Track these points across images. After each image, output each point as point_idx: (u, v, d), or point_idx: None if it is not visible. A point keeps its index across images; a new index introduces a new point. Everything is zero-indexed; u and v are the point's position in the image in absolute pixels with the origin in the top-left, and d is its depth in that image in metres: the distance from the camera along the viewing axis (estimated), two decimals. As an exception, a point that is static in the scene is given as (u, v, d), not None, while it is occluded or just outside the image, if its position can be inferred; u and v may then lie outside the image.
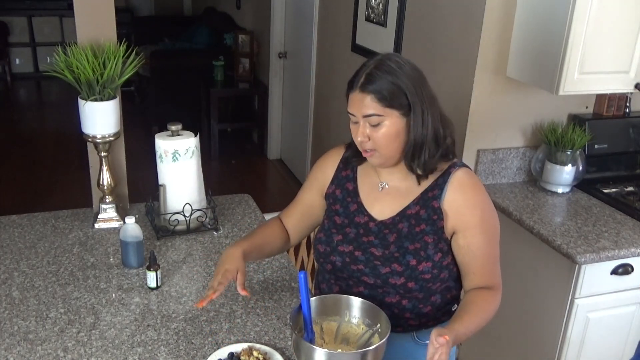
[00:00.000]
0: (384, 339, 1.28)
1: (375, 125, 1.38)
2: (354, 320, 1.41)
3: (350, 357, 1.28)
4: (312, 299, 1.38)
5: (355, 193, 1.55)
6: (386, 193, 1.51)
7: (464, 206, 1.44)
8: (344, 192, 1.56)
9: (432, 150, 1.42)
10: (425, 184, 1.47)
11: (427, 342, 1.53)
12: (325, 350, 1.27)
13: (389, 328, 1.31)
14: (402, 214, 1.47)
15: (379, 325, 1.36)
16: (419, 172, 1.44)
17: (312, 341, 1.32)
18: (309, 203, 1.65)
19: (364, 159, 1.54)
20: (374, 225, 1.49)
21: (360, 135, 1.40)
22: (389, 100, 1.36)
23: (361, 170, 1.57)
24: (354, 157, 1.55)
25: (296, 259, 2.32)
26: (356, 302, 1.41)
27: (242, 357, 1.39)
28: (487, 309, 1.44)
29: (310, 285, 2.03)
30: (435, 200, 1.45)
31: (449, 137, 1.46)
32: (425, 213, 1.45)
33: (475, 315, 1.40)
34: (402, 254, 1.44)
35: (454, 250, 1.47)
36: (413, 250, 1.44)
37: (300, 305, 1.34)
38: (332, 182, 1.60)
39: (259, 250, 1.57)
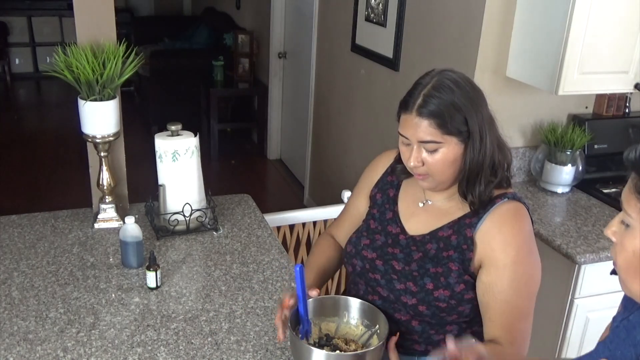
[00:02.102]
0: (382, 341, 1.27)
1: (431, 152, 1.31)
2: (353, 321, 1.40)
3: (349, 358, 1.27)
4: (310, 300, 1.37)
5: (394, 201, 1.50)
6: (425, 209, 1.45)
7: (497, 240, 1.32)
8: (384, 197, 1.52)
9: (488, 178, 1.34)
10: (466, 209, 1.38)
11: None
12: (324, 352, 1.26)
13: (387, 329, 1.30)
14: (433, 235, 1.40)
15: (377, 326, 1.35)
16: (474, 201, 1.35)
17: (308, 332, 1.31)
18: (359, 210, 1.59)
19: (412, 175, 1.46)
20: (404, 239, 1.44)
21: (414, 160, 1.32)
22: (448, 126, 1.28)
23: (407, 180, 1.51)
24: (402, 173, 1.49)
25: (296, 259, 2.32)
26: (354, 303, 1.40)
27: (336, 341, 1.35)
28: None
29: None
30: (469, 228, 1.35)
31: (506, 163, 1.38)
32: (456, 240, 1.36)
33: None
34: (421, 275, 1.37)
35: (476, 286, 1.35)
36: (433, 274, 1.36)
37: (297, 306, 1.32)
38: (376, 185, 1.55)
39: (322, 278, 1.56)
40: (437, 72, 1.34)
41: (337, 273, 2.29)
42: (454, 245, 1.37)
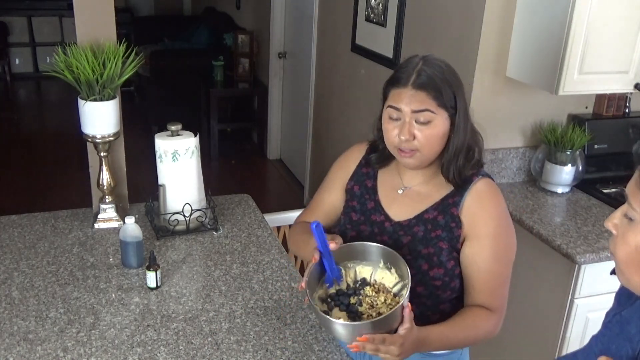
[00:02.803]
0: (400, 304, 1.21)
1: (424, 124, 1.33)
2: (389, 268, 1.35)
3: (367, 326, 1.20)
4: (343, 245, 1.35)
5: (373, 191, 1.52)
6: (405, 195, 1.48)
7: (479, 215, 1.40)
8: (362, 189, 1.54)
9: (465, 159, 1.40)
10: (446, 190, 1.44)
11: (436, 353, 1.50)
12: (340, 322, 1.21)
13: (409, 283, 1.26)
14: (419, 218, 1.44)
15: (408, 280, 1.29)
16: (455, 179, 1.40)
17: (338, 279, 1.31)
18: (334, 205, 1.60)
19: (387, 163, 1.51)
20: (390, 226, 1.47)
21: (406, 133, 1.34)
22: (442, 98, 1.33)
23: (382, 170, 1.54)
24: (376, 162, 1.52)
25: (296, 259, 2.32)
26: (393, 255, 1.33)
27: (367, 290, 1.32)
28: (475, 327, 1.38)
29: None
30: (454, 207, 1.41)
31: (477, 148, 1.44)
32: (444, 219, 1.42)
33: (459, 329, 1.37)
34: (414, 258, 1.41)
35: (460, 260, 1.42)
36: (426, 255, 1.41)
37: (319, 261, 1.29)
38: (351, 178, 1.57)
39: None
40: (422, 55, 1.39)
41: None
42: (442, 224, 1.41)
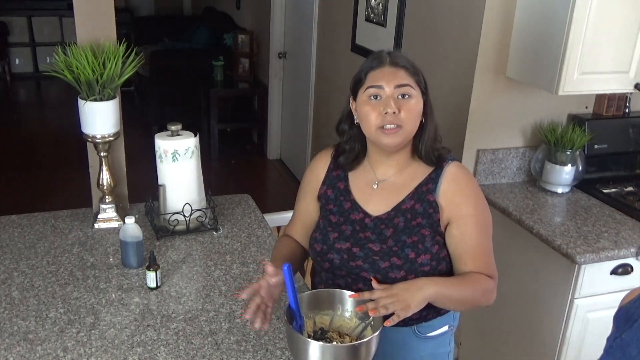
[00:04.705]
0: (377, 332, 1.27)
1: (404, 99, 1.39)
2: (347, 314, 1.40)
3: (344, 349, 1.27)
4: (306, 293, 1.39)
5: (347, 192, 1.55)
6: (380, 189, 1.52)
7: (458, 195, 1.47)
8: (335, 192, 1.57)
9: (435, 140, 1.48)
10: (419, 178, 1.49)
11: (428, 334, 1.56)
12: (321, 343, 1.26)
13: (381, 322, 1.30)
14: (397, 209, 1.48)
15: (371, 318, 1.35)
16: (432, 158, 1.47)
17: (301, 327, 1.33)
18: (309, 211, 1.64)
19: (356, 165, 1.55)
20: (370, 221, 1.50)
21: (392, 106, 1.38)
22: (418, 76, 1.43)
23: (351, 172, 1.57)
24: (346, 164, 1.55)
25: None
26: (348, 296, 1.40)
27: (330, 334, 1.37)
28: (477, 284, 1.43)
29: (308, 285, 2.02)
30: (430, 194, 1.47)
31: (440, 139, 1.51)
32: (421, 207, 1.46)
33: (461, 283, 1.43)
34: (401, 248, 1.45)
35: (447, 242, 1.48)
36: (411, 244, 1.45)
37: (290, 302, 1.33)
38: (323, 183, 1.60)
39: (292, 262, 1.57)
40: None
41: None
42: (421, 212, 1.47)
